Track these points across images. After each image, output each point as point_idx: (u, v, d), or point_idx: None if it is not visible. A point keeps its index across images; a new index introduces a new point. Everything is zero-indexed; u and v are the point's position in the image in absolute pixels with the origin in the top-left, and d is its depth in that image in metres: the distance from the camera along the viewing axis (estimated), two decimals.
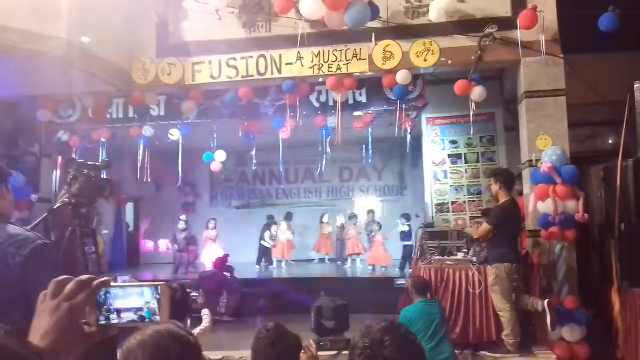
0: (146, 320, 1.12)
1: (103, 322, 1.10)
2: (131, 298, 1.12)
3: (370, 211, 12.75)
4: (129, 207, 14.76)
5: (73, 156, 8.94)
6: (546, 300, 5.74)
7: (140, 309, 1.12)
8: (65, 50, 6.13)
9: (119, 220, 13.67)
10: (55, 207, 2.90)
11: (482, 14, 6.70)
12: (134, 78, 7.31)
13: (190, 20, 7.37)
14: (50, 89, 7.73)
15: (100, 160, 3.15)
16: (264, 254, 12.87)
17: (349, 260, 12.65)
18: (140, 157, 9.94)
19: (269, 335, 2.77)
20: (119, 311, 1.11)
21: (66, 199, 2.91)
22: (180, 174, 10.40)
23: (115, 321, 1.11)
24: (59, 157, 9.60)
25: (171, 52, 7.35)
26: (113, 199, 3.06)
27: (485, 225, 6.23)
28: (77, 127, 9.37)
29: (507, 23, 6.57)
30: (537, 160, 6.29)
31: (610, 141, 8.27)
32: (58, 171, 9.43)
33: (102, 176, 3.09)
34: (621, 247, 5.68)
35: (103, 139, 9.73)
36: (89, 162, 3.03)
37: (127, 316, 1.12)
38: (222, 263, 9.55)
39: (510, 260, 5.90)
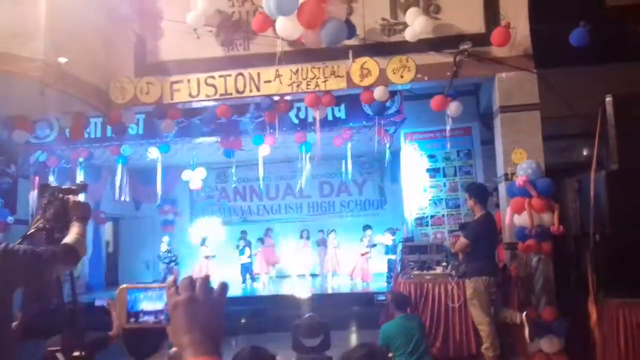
0: (164, 322, 1.14)
1: (131, 324, 1.13)
2: (152, 301, 1.14)
3: (367, 227, 12.47)
4: (108, 227, 14.59)
5: (48, 182, 8.84)
6: (524, 313, 5.80)
7: (161, 311, 1.14)
8: (42, 71, 6.09)
9: (97, 240, 13.49)
10: (29, 232, 2.87)
11: (456, 31, 6.82)
12: (112, 97, 7.28)
13: (168, 40, 7.38)
14: (27, 110, 7.66)
15: (75, 184, 3.12)
16: (247, 270, 12.81)
17: (330, 275, 12.62)
18: (118, 176, 9.88)
19: (246, 355, 2.76)
20: (141, 314, 1.14)
21: (40, 225, 2.87)
22: (159, 192, 10.35)
23: (140, 323, 1.14)
24: (37, 178, 9.49)
25: (149, 72, 7.34)
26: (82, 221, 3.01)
27: (462, 240, 6.29)
28: (55, 148, 9.30)
29: (481, 39, 6.69)
30: (512, 174, 6.39)
31: (584, 153, 8.42)
32: (36, 192, 9.32)
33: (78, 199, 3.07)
34: (597, 258, 5.75)
35: (81, 159, 9.66)
36: (63, 187, 3.00)
37: (149, 319, 1.14)
38: None
39: (488, 273, 5.96)
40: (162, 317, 1.14)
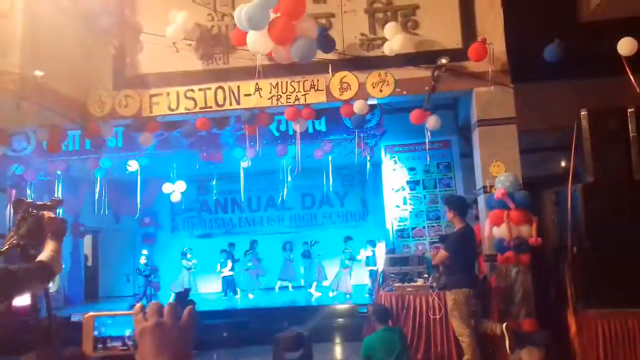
0: (132, 348, 1.14)
1: (99, 351, 1.12)
2: (120, 327, 1.14)
3: (348, 238, 12.40)
4: (87, 240, 14.40)
5: (25, 195, 8.74)
6: (504, 324, 5.84)
7: (129, 337, 1.14)
8: (18, 84, 6.04)
9: (76, 253, 13.29)
10: (2, 249, 2.82)
11: (434, 46, 6.91)
12: (91, 110, 7.23)
13: (147, 53, 7.37)
14: (4, 123, 7.56)
15: (50, 200, 3.07)
16: (228, 284, 12.72)
17: (312, 287, 12.57)
18: (97, 189, 9.78)
19: None
20: (109, 340, 1.13)
21: (14, 241, 2.83)
22: (139, 205, 10.26)
23: (107, 349, 1.13)
24: (13, 191, 9.35)
25: (128, 85, 7.31)
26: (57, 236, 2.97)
27: (442, 252, 6.33)
28: (32, 161, 9.17)
29: (458, 54, 6.79)
30: (491, 187, 6.46)
31: (562, 165, 8.55)
32: (12, 208, 9.17)
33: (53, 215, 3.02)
34: (574, 270, 5.83)
35: (59, 172, 9.55)
36: (38, 202, 2.96)
37: (116, 344, 1.13)
38: (182, 298, 9.40)
39: (468, 285, 5.99)
40: (130, 342, 1.14)
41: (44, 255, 2.74)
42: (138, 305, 1.10)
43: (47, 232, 2.85)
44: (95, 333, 1.15)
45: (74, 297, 12.64)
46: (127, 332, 1.15)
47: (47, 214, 2.92)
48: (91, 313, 1.17)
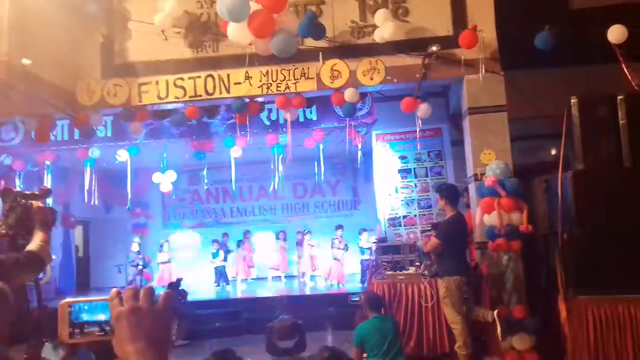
0: (109, 333, 1.14)
1: (76, 337, 1.12)
2: (96, 313, 1.14)
3: (340, 227, 12.38)
4: (78, 230, 14.32)
5: (12, 183, 8.66)
6: (496, 311, 5.87)
7: (106, 322, 1.13)
8: (5, 73, 5.96)
9: (67, 244, 13.23)
10: None
11: (425, 34, 6.88)
12: (79, 99, 7.16)
13: (136, 41, 7.29)
14: None
15: (39, 189, 3.04)
16: (221, 274, 12.73)
17: (308, 277, 12.60)
18: (87, 179, 9.71)
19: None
20: (86, 325, 1.13)
21: (3, 231, 2.80)
22: (129, 195, 10.20)
23: (84, 335, 1.13)
24: (2, 182, 9.27)
25: (117, 73, 7.24)
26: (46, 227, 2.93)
27: (433, 240, 6.35)
28: (21, 151, 9.09)
29: (449, 42, 6.77)
30: (482, 174, 6.47)
31: (552, 153, 8.58)
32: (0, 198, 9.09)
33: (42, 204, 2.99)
34: (565, 257, 5.86)
35: (48, 162, 9.46)
36: (26, 192, 2.93)
37: (93, 330, 1.13)
38: (174, 288, 9.36)
39: (459, 273, 6.02)
40: (107, 328, 1.13)
41: (33, 245, 2.71)
42: (114, 290, 1.10)
43: (36, 222, 2.82)
44: (72, 318, 1.14)
45: (65, 289, 12.59)
46: (104, 318, 1.14)
47: (36, 203, 2.89)
48: (65, 300, 1.16)
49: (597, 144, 5.77)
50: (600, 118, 5.82)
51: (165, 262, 12.77)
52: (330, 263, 11.76)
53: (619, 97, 5.76)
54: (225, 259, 12.74)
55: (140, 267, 12.38)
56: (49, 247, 2.80)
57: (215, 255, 12.74)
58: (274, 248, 13.32)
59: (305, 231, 12.90)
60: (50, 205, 3.34)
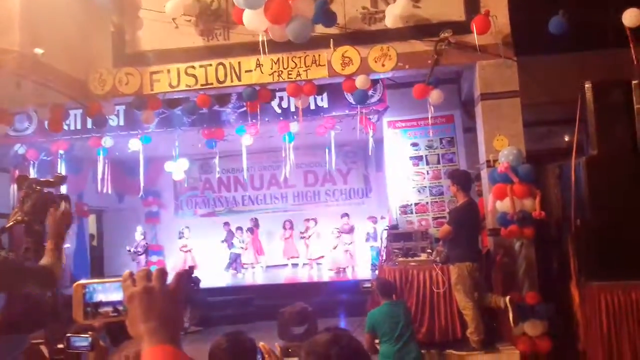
0: (123, 313, 1.16)
1: (90, 317, 1.14)
2: (110, 293, 1.16)
3: (345, 214, 12.59)
4: (92, 219, 14.46)
5: (26, 173, 8.75)
6: (508, 297, 5.87)
7: (119, 302, 1.15)
8: (18, 63, 6.00)
9: (81, 232, 13.36)
10: (7, 226, 2.83)
11: (437, 19, 6.81)
12: (91, 89, 7.19)
13: (147, 30, 7.29)
14: (5, 102, 7.53)
15: (53, 176, 3.08)
16: (234, 260, 12.83)
17: (314, 264, 12.67)
18: (100, 169, 9.79)
19: (223, 342, 2.78)
20: (101, 304, 1.15)
21: (19, 217, 2.84)
22: (142, 184, 10.27)
23: (98, 316, 1.15)
24: (17, 171, 9.38)
25: (128, 62, 7.25)
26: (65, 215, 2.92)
27: (445, 226, 6.35)
28: (34, 140, 9.18)
29: (461, 27, 6.69)
30: (494, 161, 6.44)
31: (565, 139, 8.52)
32: (16, 185, 9.22)
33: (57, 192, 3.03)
34: (577, 243, 5.84)
35: (61, 151, 9.55)
36: (41, 179, 2.97)
37: (108, 309, 1.16)
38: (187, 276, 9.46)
39: (471, 259, 6.02)
40: (121, 308, 1.16)
41: (47, 260, 2.69)
42: (127, 271, 1.12)
43: (64, 229, 2.82)
44: (87, 298, 1.17)
45: (80, 276, 12.73)
46: (118, 298, 1.16)
47: (59, 209, 2.83)
48: (80, 282, 1.18)
49: (611, 129, 5.72)
50: (614, 103, 5.78)
51: (186, 250, 12.91)
52: (337, 250, 11.83)
53: (633, 82, 5.71)
54: (235, 247, 12.84)
55: (133, 251, 12.53)
56: (60, 263, 2.80)
57: (227, 242, 12.86)
58: (283, 236, 13.38)
59: (312, 219, 12.96)
60: (65, 192, 3.37)
